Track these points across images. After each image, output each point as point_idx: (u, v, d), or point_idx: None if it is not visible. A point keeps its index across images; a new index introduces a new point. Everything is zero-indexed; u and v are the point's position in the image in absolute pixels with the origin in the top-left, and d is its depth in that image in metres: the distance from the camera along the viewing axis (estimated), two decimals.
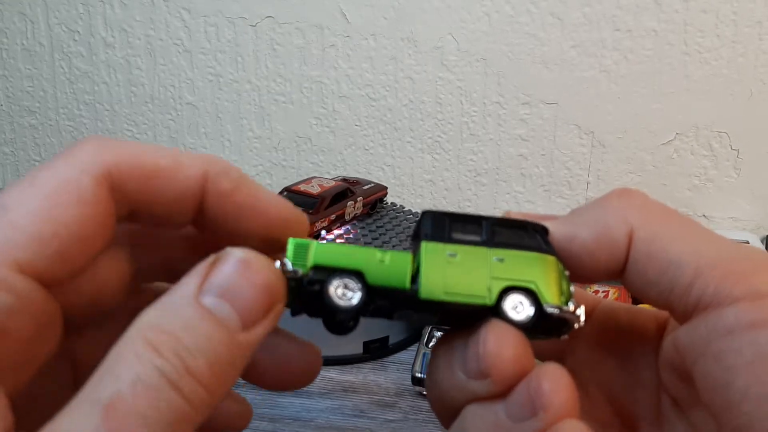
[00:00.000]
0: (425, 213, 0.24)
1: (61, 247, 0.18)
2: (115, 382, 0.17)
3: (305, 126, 0.91)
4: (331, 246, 0.22)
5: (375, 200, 0.75)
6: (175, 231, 0.24)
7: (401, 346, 0.62)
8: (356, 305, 0.21)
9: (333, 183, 0.73)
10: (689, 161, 0.84)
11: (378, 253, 0.22)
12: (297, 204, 0.82)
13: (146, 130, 0.94)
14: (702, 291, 0.20)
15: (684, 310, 0.21)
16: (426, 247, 0.22)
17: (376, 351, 0.61)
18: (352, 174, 0.91)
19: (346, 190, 0.71)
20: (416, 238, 0.24)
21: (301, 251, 0.22)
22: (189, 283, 0.19)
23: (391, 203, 0.78)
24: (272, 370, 0.25)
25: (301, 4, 0.86)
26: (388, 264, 0.22)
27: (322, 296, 0.21)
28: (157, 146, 0.22)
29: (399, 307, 0.22)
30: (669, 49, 0.81)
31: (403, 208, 0.77)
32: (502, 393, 0.21)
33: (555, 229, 0.24)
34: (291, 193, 0.71)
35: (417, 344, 0.59)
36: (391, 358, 0.61)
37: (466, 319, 0.22)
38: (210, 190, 0.22)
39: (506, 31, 0.83)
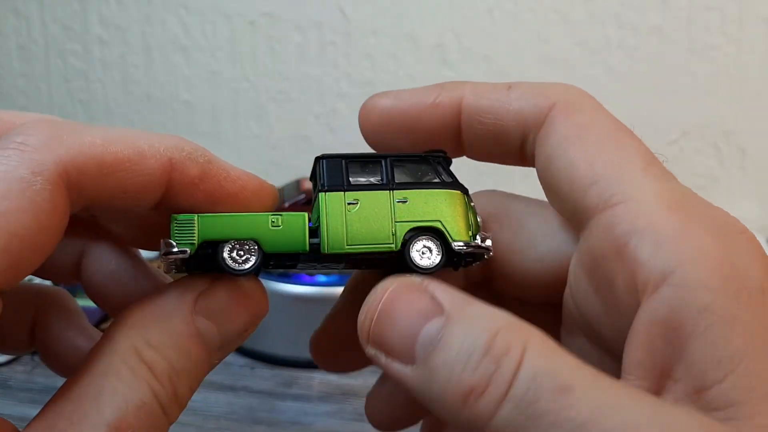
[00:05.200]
0: (319, 159, 0.23)
1: (12, 260, 0.17)
2: (117, 401, 0.17)
3: (304, 124, 0.90)
4: (219, 216, 0.21)
5: None
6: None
7: None
8: (253, 268, 0.21)
9: None
10: (695, 160, 0.83)
11: (271, 217, 0.21)
12: (287, 193, 0.83)
13: (142, 129, 0.94)
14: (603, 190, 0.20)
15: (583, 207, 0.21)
16: (324, 198, 0.22)
17: None
18: None
19: None
20: (314, 187, 0.23)
21: (186, 228, 0.20)
22: (186, 298, 0.20)
23: None
24: None
25: (299, 0, 0.85)
26: (282, 229, 0.21)
27: (216, 260, 0.21)
28: (115, 132, 0.20)
29: (301, 262, 0.22)
30: (674, 47, 0.80)
31: None
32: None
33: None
34: (296, 182, 0.78)
35: None
36: None
37: (375, 263, 0.22)
38: (176, 180, 0.20)
39: (508, 28, 0.82)
